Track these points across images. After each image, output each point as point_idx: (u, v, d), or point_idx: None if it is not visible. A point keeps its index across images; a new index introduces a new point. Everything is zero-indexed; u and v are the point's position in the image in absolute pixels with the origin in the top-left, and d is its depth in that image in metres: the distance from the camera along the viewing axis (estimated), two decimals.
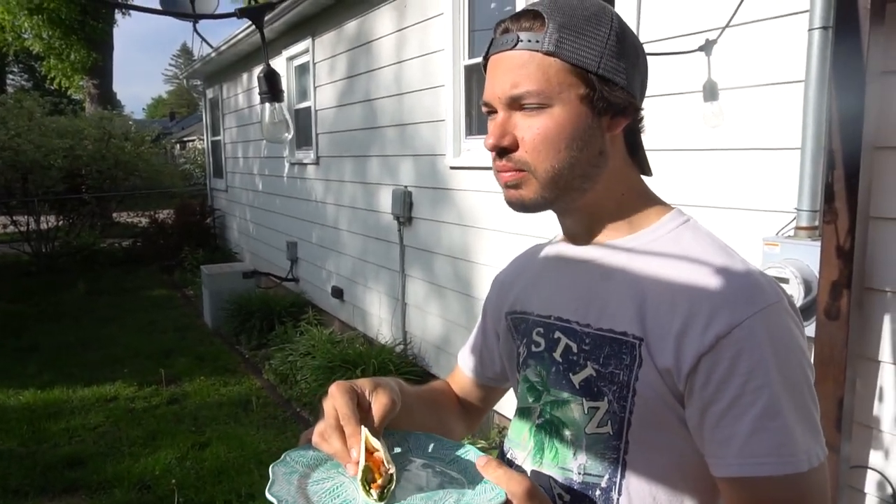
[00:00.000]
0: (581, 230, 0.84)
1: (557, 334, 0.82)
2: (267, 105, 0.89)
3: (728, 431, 0.68)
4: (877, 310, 1.77)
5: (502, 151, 0.75)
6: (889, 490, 1.78)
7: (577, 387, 0.78)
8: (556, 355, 0.82)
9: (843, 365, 1.70)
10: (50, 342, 5.70)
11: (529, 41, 0.73)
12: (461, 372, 1.07)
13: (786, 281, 1.81)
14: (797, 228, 1.90)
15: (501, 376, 1.01)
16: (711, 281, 0.72)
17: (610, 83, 0.74)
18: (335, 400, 0.74)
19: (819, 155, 1.81)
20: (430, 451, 0.78)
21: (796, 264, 1.82)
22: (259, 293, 6.09)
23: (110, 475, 3.26)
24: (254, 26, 6.56)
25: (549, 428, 0.82)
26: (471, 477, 0.72)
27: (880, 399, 1.79)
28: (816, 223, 1.84)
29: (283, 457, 0.73)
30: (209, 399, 4.35)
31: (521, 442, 0.86)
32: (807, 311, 1.83)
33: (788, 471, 0.67)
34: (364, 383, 0.77)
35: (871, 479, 1.83)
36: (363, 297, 5.03)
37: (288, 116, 0.90)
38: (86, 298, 7.51)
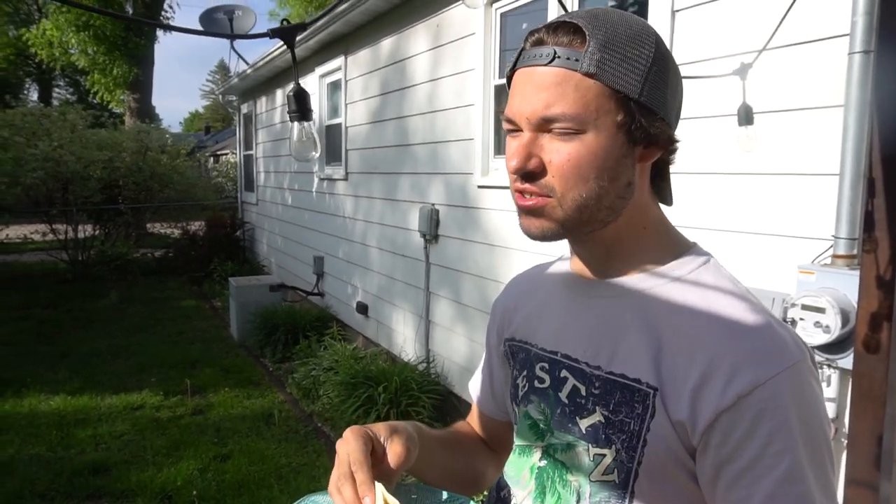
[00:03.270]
0: (595, 262, 0.79)
1: (564, 373, 0.78)
2: (296, 124, 0.89)
3: (745, 493, 0.64)
4: None
5: (527, 175, 0.70)
6: None
7: (584, 431, 0.74)
8: (563, 396, 0.77)
9: (882, 400, 1.63)
10: (81, 349, 5.82)
11: (568, 58, 0.66)
12: (479, 411, 1.02)
13: (822, 311, 1.75)
14: (834, 256, 1.84)
15: None
16: (733, 333, 0.67)
17: (649, 112, 0.68)
18: (348, 445, 0.72)
19: (858, 182, 1.76)
20: None
21: (833, 293, 1.76)
22: (285, 306, 6.13)
23: (133, 484, 3.28)
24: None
25: (552, 471, 0.78)
26: None
27: None
28: (855, 252, 1.78)
29: None
30: (233, 411, 4.37)
31: (520, 480, 0.83)
32: (844, 343, 1.76)
33: None
34: (379, 428, 0.76)
35: None
36: (388, 314, 5.03)
37: (315, 135, 0.90)
38: (117, 307, 7.67)
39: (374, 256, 5.25)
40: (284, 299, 6.54)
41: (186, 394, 4.60)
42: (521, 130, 0.70)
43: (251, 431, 4.01)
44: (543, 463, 0.79)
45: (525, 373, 0.84)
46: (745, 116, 1.64)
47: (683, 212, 2.35)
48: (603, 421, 0.72)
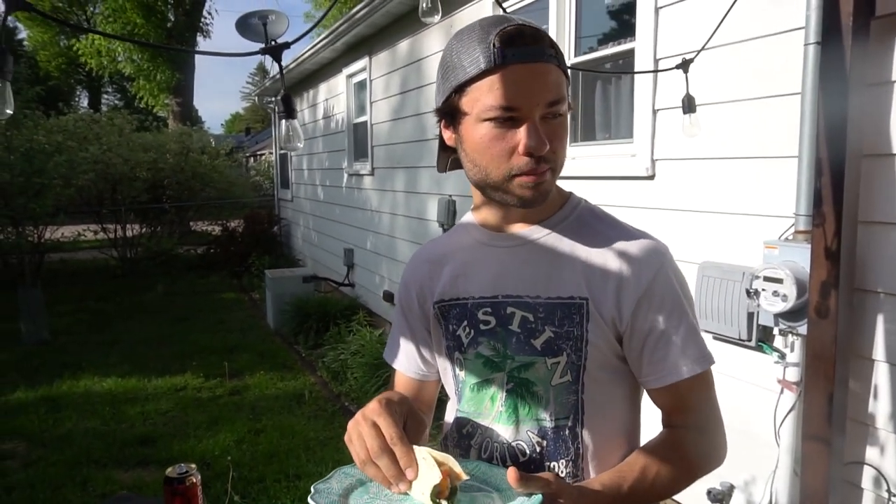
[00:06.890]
0: (517, 217, 0.94)
1: (510, 309, 0.93)
2: (283, 121, 1.13)
3: (662, 352, 0.88)
4: (869, 310, 1.84)
5: (542, 155, 0.82)
6: (885, 486, 1.84)
7: (539, 349, 0.91)
8: (514, 327, 0.92)
9: (832, 361, 1.78)
10: (130, 337, 6.26)
11: (555, 57, 0.82)
12: (407, 379, 1.08)
13: (780, 281, 1.91)
14: (796, 232, 1.99)
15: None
16: (627, 245, 0.91)
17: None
18: (380, 420, 0.77)
19: (815, 163, 1.91)
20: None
21: (791, 266, 1.92)
22: (318, 297, 6.45)
23: (176, 453, 3.62)
24: (315, 46, 6.91)
25: (521, 390, 0.93)
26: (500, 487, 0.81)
27: (875, 397, 1.85)
28: (812, 227, 1.93)
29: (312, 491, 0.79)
30: (267, 392, 4.69)
31: (482, 412, 0.97)
32: (802, 311, 1.92)
33: (708, 367, 0.90)
34: (400, 406, 0.83)
35: (867, 475, 1.88)
36: None
37: (299, 130, 1.14)
38: (163, 299, 8.14)
39: (398, 247, 5.51)
40: (317, 290, 6.87)
41: (225, 376, 4.94)
42: (522, 119, 0.81)
43: (283, 409, 4.31)
44: (511, 386, 0.93)
45: (465, 323, 0.97)
46: (689, 106, 1.81)
47: (670, 195, 2.52)
48: (552, 335, 0.90)
